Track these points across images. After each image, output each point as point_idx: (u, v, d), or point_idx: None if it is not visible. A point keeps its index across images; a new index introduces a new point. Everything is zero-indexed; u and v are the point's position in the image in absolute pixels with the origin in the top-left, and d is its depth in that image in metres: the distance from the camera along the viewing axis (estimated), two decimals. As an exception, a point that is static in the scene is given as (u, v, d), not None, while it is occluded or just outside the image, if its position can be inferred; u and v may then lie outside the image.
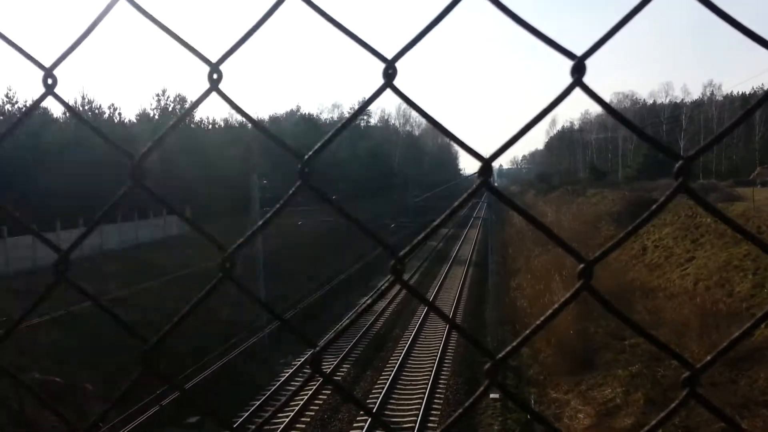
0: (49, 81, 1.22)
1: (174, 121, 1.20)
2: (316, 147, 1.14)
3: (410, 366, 21.78)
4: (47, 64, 1.24)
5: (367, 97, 1.20)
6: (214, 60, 1.16)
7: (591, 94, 1.05)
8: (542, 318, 1.08)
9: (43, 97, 1.23)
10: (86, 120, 1.41)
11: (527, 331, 1.08)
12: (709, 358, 1.03)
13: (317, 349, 1.15)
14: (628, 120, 1.17)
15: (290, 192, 1.14)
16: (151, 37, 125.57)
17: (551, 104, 1.05)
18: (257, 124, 1.23)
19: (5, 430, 14.79)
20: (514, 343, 1.10)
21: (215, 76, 1.15)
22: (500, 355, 1.08)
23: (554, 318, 1.06)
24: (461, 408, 1.12)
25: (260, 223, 1.17)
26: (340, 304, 31.13)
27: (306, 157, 1.14)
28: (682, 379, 1.03)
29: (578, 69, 1.04)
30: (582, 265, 1.05)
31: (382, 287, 1.07)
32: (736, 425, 1.07)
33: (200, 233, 1.23)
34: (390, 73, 1.12)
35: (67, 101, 1.26)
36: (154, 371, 1.17)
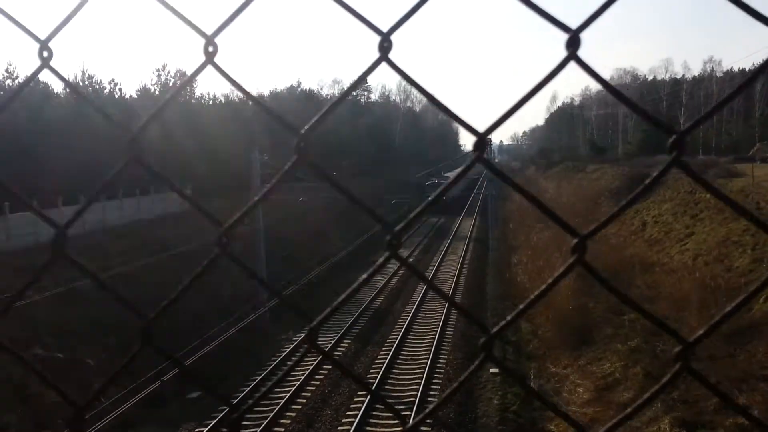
0: (45, 54, 1.21)
1: (169, 96, 1.20)
2: (312, 121, 1.14)
3: (410, 341, 21.90)
4: (43, 37, 1.23)
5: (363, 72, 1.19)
6: (209, 32, 1.15)
7: (586, 68, 1.05)
8: (536, 293, 1.08)
9: (39, 70, 1.23)
10: (84, 94, 1.41)
11: (521, 306, 1.09)
12: (701, 332, 1.04)
13: (314, 323, 1.16)
14: (622, 94, 1.17)
15: (286, 167, 1.14)
16: (151, 12, 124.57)
17: (545, 78, 1.05)
18: (253, 98, 1.22)
19: (9, 406, 14.91)
20: (509, 318, 1.10)
21: (211, 48, 1.14)
22: (495, 330, 1.09)
23: (547, 293, 1.07)
24: (457, 382, 1.14)
25: (256, 199, 1.17)
26: (340, 282, 31.15)
27: (302, 131, 1.14)
28: (674, 352, 1.04)
29: (573, 42, 1.04)
30: (575, 240, 1.05)
31: (378, 264, 1.08)
32: (729, 400, 1.09)
33: (197, 209, 1.24)
34: (385, 46, 1.11)
35: (64, 75, 1.25)
36: (153, 346, 1.18)
